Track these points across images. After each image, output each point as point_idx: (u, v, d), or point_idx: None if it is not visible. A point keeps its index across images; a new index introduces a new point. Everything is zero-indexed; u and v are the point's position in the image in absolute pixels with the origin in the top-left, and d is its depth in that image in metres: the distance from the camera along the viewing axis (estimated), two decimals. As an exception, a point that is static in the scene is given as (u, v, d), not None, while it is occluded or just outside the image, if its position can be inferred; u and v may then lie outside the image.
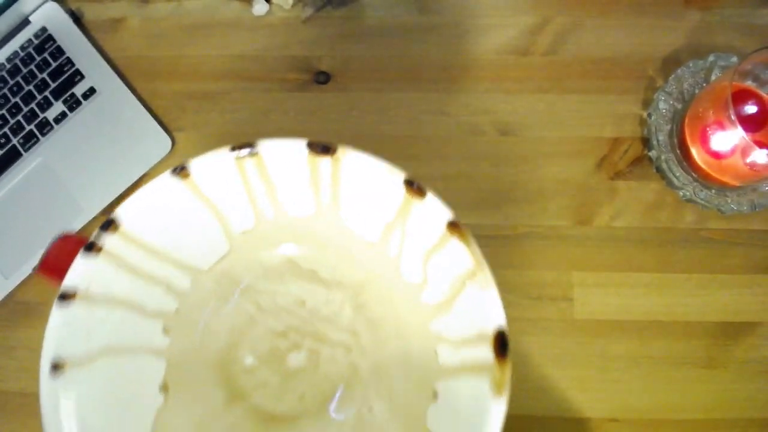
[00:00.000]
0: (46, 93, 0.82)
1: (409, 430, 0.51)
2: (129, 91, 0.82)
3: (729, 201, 0.71)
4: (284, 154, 0.50)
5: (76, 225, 0.78)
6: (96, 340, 0.48)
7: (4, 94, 0.82)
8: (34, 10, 0.85)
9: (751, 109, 0.70)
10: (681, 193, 0.73)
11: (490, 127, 0.78)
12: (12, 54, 0.83)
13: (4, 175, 0.80)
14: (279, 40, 0.83)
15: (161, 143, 0.79)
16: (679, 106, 0.74)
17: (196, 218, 0.53)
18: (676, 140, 0.73)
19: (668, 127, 0.74)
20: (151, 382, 0.53)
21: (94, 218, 0.78)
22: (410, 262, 0.53)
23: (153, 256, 0.52)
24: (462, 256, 0.45)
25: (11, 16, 0.84)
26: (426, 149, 0.78)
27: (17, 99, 0.82)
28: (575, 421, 0.70)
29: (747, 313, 0.71)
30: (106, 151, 0.80)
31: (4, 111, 0.82)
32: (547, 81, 0.79)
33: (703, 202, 0.72)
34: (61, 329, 0.46)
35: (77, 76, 0.82)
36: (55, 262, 0.48)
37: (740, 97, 0.69)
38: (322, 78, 0.81)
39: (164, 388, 0.53)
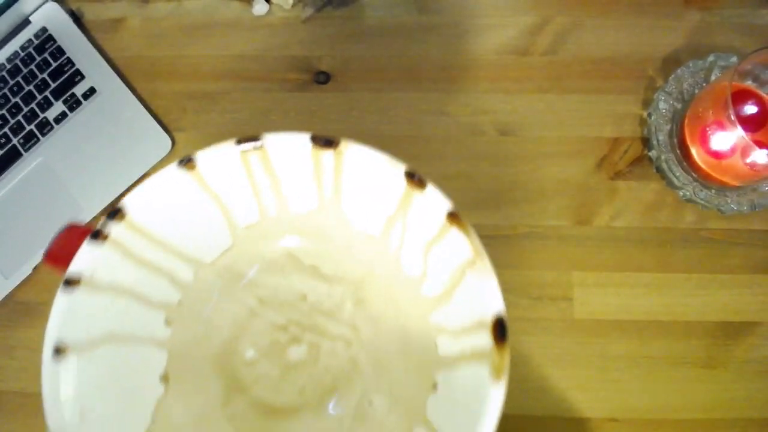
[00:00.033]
0: (47, 93, 0.83)
1: (409, 421, 0.52)
2: (129, 91, 0.83)
3: (729, 201, 0.72)
4: (288, 148, 0.51)
5: (75, 225, 0.78)
6: (99, 327, 0.49)
7: (5, 94, 0.83)
8: (34, 10, 0.86)
9: (750, 109, 0.71)
10: (681, 193, 0.74)
11: (490, 127, 0.79)
12: (12, 54, 0.84)
13: (4, 175, 0.81)
14: (279, 40, 0.84)
15: (161, 143, 0.81)
16: (679, 106, 0.75)
17: (200, 211, 0.54)
18: (676, 140, 0.74)
19: (668, 127, 0.74)
20: (152, 372, 0.54)
21: (94, 218, 0.79)
22: (410, 255, 0.55)
23: (158, 246, 0.53)
24: (461, 246, 0.47)
25: (11, 16, 0.85)
26: (426, 149, 0.79)
27: (17, 99, 0.83)
28: (575, 421, 0.70)
29: (747, 313, 0.72)
30: (106, 151, 0.81)
31: (4, 111, 0.83)
32: (546, 81, 0.80)
33: (703, 202, 0.73)
34: (64, 314, 0.47)
35: (77, 76, 0.83)
36: (61, 251, 0.49)
37: (740, 97, 0.70)
38: (322, 78, 0.82)
39: (165, 378, 0.55)
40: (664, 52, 0.80)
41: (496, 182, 0.77)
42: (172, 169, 0.50)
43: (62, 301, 0.47)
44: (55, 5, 0.86)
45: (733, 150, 0.67)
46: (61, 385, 0.46)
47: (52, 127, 0.82)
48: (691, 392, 0.70)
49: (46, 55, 0.84)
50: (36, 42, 0.85)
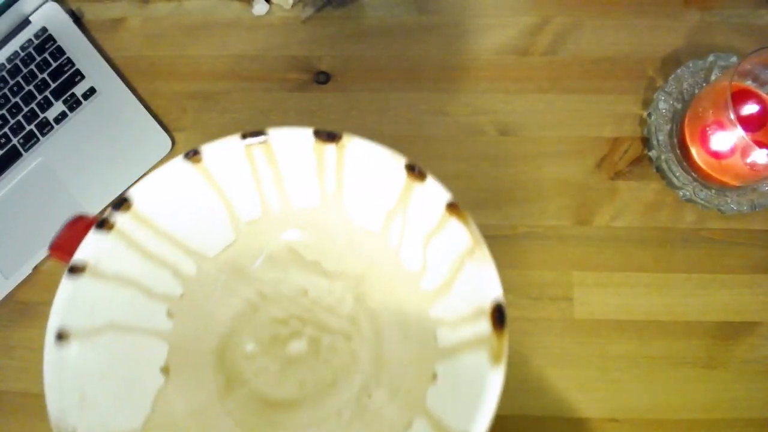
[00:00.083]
0: (47, 93, 0.84)
1: (410, 412, 0.54)
2: (129, 91, 0.84)
3: (729, 201, 0.73)
4: (292, 142, 0.53)
5: (75, 225, 0.80)
6: (101, 316, 0.51)
7: (5, 94, 0.85)
8: (34, 10, 0.88)
9: (750, 109, 0.72)
10: (681, 193, 0.75)
11: (490, 127, 0.80)
12: (12, 54, 0.86)
13: (4, 175, 0.83)
14: (279, 40, 0.85)
15: (161, 143, 0.82)
16: (679, 106, 0.76)
17: (205, 205, 0.56)
18: (676, 140, 0.75)
19: (668, 127, 0.76)
20: (152, 364, 0.56)
21: (94, 217, 0.80)
22: (410, 249, 0.57)
23: (162, 238, 0.55)
24: (461, 236, 0.49)
25: (11, 16, 0.86)
26: (426, 149, 0.80)
27: (17, 99, 0.84)
28: (575, 422, 0.71)
29: (747, 313, 0.73)
30: (106, 151, 0.82)
31: (4, 111, 0.84)
32: (546, 81, 0.81)
33: (703, 202, 0.74)
34: (68, 300, 0.49)
35: (77, 76, 0.85)
36: (67, 242, 0.51)
37: (740, 97, 0.71)
38: (322, 78, 0.83)
39: (165, 370, 0.56)
40: (663, 52, 0.81)
41: (496, 182, 0.78)
42: (178, 161, 0.52)
43: (67, 287, 0.49)
44: (55, 5, 0.87)
45: (733, 150, 0.68)
46: (62, 370, 0.48)
47: (52, 127, 0.84)
48: (691, 392, 0.71)
49: (46, 55, 0.85)
50: (36, 42, 0.86)
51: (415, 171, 0.51)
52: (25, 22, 0.88)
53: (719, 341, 0.73)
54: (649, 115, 0.77)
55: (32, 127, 0.84)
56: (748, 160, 0.67)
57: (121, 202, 0.51)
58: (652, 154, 0.76)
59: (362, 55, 0.84)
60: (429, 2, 0.85)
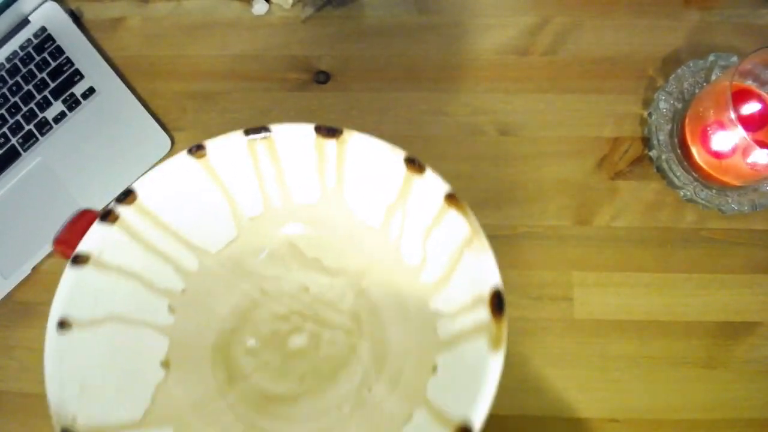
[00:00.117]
0: (46, 93, 0.85)
1: (410, 403, 0.55)
2: (129, 91, 0.85)
3: (730, 201, 0.74)
4: (294, 138, 0.55)
5: (75, 225, 0.80)
6: (103, 307, 0.53)
7: (4, 94, 0.86)
8: (33, 10, 0.89)
9: (751, 108, 0.73)
10: (681, 193, 0.76)
11: (490, 127, 0.81)
12: (11, 53, 0.87)
13: (3, 175, 0.84)
14: (279, 39, 0.86)
15: (161, 143, 0.83)
16: (680, 106, 0.77)
17: (208, 200, 0.58)
18: (676, 140, 0.76)
19: (669, 126, 0.76)
20: (153, 357, 0.57)
21: (94, 217, 0.81)
22: (410, 243, 0.58)
23: (165, 233, 0.56)
24: (459, 226, 0.50)
25: (11, 16, 0.87)
26: (426, 149, 0.80)
27: (16, 98, 0.85)
28: (575, 422, 0.72)
29: (747, 313, 0.74)
30: (105, 151, 0.83)
31: (3, 110, 0.85)
32: (546, 81, 0.82)
33: (703, 201, 0.74)
34: (71, 289, 0.50)
35: (77, 75, 0.86)
36: (71, 236, 0.52)
37: (740, 96, 0.72)
38: (322, 78, 0.84)
39: (165, 364, 0.58)
40: (664, 52, 0.82)
41: (496, 182, 0.79)
42: (182, 156, 0.54)
43: (70, 277, 0.50)
44: (55, 5, 0.89)
45: (733, 150, 0.69)
46: (63, 358, 0.49)
47: (52, 127, 0.85)
48: (691, 392, 0.72)
49: (45, 54, 0.87)
50: (35, 41, 0.87)
51: (414, 163, 0.52)
52: (25, 22, 0.89)
53: (719, 341, 0.73)
54: (650, 114, 0.78)
55: (31, 126, 0.85)
56: (749, 160, 0.68)
57: (126, 194, 0.53)
58: (653, 153, 0.77)
59: (362, 54, 0.85)
60: (429, 2, 0.86)
